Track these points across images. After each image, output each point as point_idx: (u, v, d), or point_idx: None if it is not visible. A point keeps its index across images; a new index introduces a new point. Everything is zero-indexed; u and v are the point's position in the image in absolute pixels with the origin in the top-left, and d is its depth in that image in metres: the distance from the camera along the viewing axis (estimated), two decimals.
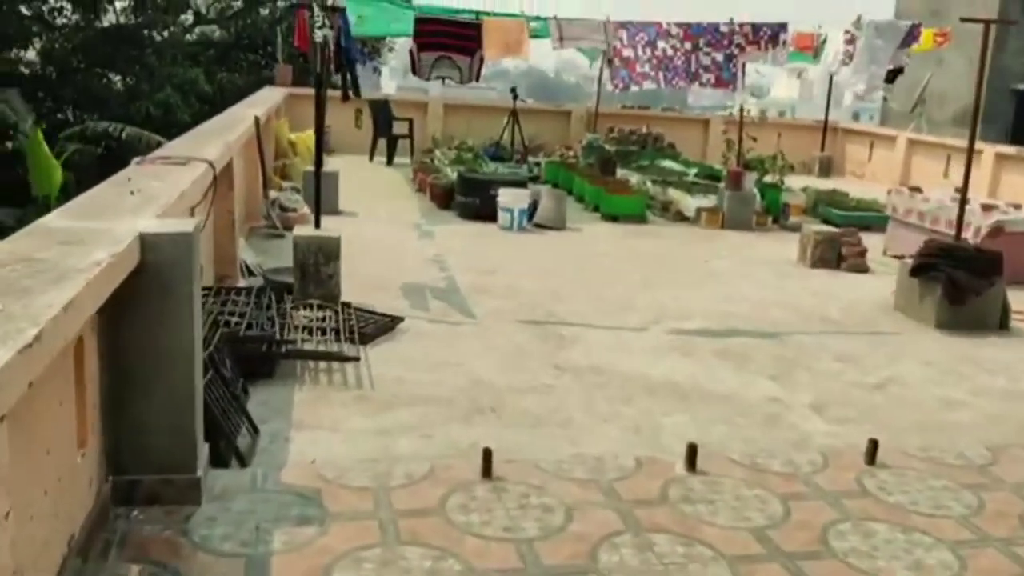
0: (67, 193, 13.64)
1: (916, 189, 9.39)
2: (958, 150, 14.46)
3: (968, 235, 7.87)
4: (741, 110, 10.73)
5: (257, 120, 8.48)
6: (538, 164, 14.16)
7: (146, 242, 3.18)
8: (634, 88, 8.87)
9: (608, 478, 3.86)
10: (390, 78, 55.38)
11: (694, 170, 13.85)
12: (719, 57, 8.26)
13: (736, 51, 8.34)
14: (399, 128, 15.23)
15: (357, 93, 8.01)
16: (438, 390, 4.89)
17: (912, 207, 9.16)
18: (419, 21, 8.35)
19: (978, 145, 14.09)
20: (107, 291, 2.85)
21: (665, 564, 3.19)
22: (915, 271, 7.01)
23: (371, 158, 15.17)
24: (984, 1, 14.84)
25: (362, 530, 3.27)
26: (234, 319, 5.01)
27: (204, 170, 4.92)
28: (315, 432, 4.25)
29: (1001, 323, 6.90)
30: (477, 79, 8.49)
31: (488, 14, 8.57)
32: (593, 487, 3.76)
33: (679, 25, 8.46)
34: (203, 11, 25.76)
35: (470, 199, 10.42)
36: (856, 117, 38.20)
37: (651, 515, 3.56)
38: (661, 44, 8.38)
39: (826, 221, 11.03)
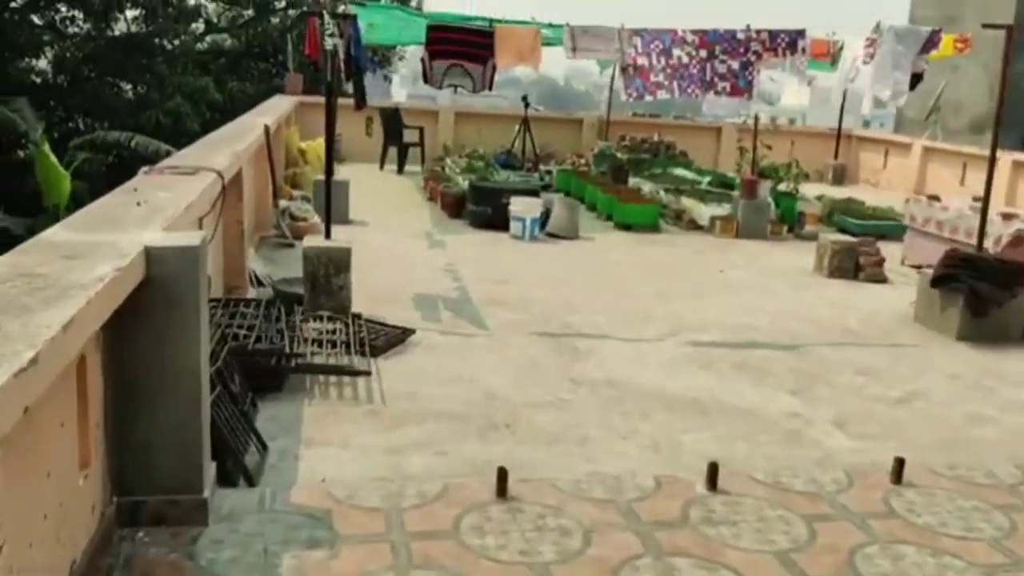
0: (78, 202, 13.60)
1: (934, 198, 9.24)
2: (974, 158, 14.33)
3: (987, 244, 7.72)
4: (756, 118, 10.60)
5: (267, 129, 8.42)
6: (549, 172, 14.07)
7: (152, 256, 3.09)
8: (648, 98, 8.75)
9: (627, 498, 3.74)
10: (400, 86, 55.45)
11: (707, 178, 13.72)
12: (735, 65, 8.13)
13: (753, 58, 8.20)
14: (410, 136, 15.16)
15: (363, 101, 7.93)
16: (451, 405, 4.78)
17: (931, 216, 9.01)
18: (431, 29, 8.25)
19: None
20: (110, 308, 2.75)
21: None
22: (936, 282, 6.86)
23: (382, 166, 15.09)
24: (1000, 7, 14.65)
25: (373, 553, 3.17)
26: (243, 332, 4.92)
27: (213, 180, 4.84)
28: (325, 449, 4.15)
29: None
30: (490, 88, 8.38)
31: (500, 21, 8.46)
32: (611, 508, 3.65)
33: (694, 32, 8.33)
34: (214, 20, 25.81)
35: (482, 208, 10.32)
36: (867, 124, 38.02)
37: (672, 538, 3.44)
38: (676, 52, 8.25)
39: (842, 230, 10.89)
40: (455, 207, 10.92)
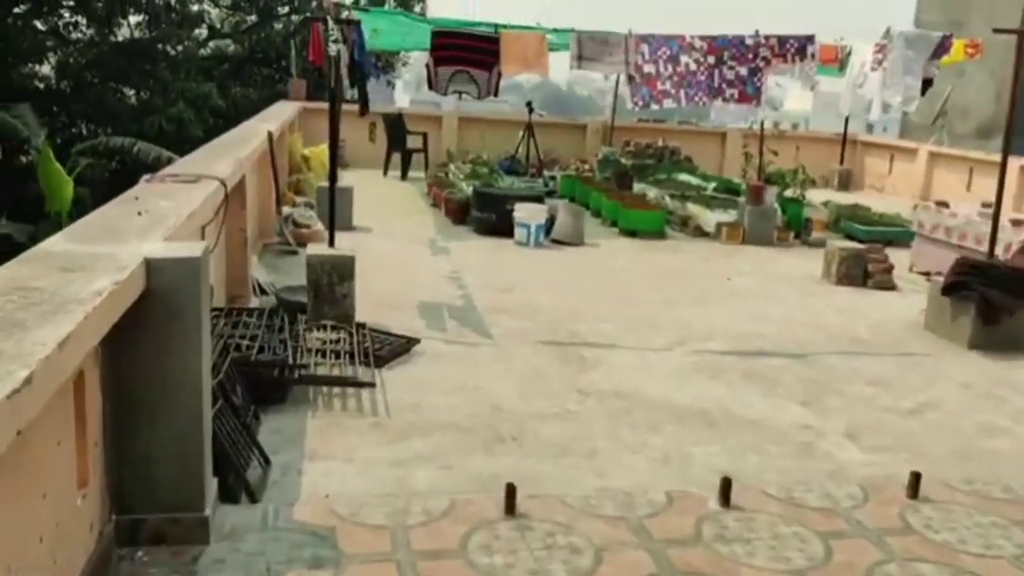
0: (81, 208, 13.55)
1: (943, 204, 9.15)
2: (981, 163, 14.25)
3: (997, 251, 7.62)
4: (762, 124, 10.53)
5: (270, 135, 8.35)
6: (553, 178, 14.00)
7: (152, 267, 3.01)
8: (654, 107, 8.66)
9: (638, 515, 3.66)
10: (403, 92, 55.44)
11: (712, 184, 13.65)
12: (743, 71, 8.05)
13: (762, 64, 8.12)
14: (413, 142, 15.10)
15: (366, 108, 7.86)
16: (456, 417, 4.70)
17: (939, 223, 8.92)
18: (436, 35, 8.18)
19: (1000, 158, 13.90)
20: (109, 322, 2.68)
21: None
22: (947, 290, 6.78)
23: (385, 172, 15.03)
24: (1006, 11, 14.59)
25: (379, 573, 3.09)
26: (245, 342, 4.84)
27: (215, 188, 4.77)
28: (328, 463, 4.06)
29: None
30: (495, 94, 8.31)
31: (507, 27, 8.38)
32: (622, 525, 3.57)
33: (702, 38, 8.24)
34: (217, 25, 25.78)
35: (486, 214, 10.25)
36: (871, 129, 37.98)
37: (685, 556, 3.36)
38: (684, 59, 8.15)
39: (849, 236, 10.80)
40: (459, 213, 10.84)
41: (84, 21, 22.43)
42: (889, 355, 6.45)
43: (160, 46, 22.26)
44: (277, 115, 11.76)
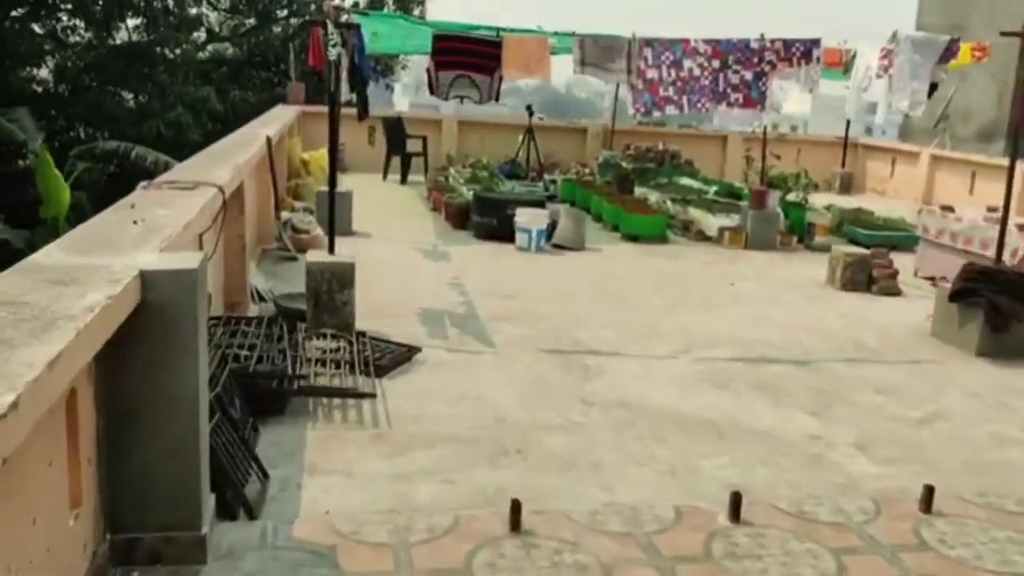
0: (79, 213, 13.48)
1: (948, 208, 9.07)
2: (984, 166, 14.18)
3: (1004, 256, 7.55)
4: (764, 128, 10.46)
5: (269, 140, 8.27)
6: (554, 182, 13.92)
7: (147, 280, 2.92)
8: (656, 114, 8.57)
9: (646, 531, 3.57)
10: (402, 95, 55.40)
11: (714, 188, 13.57)
12: (748, 76, 7.95)
13: (767, 68, 8.03)
14: (413, 146, 15.01)
15: (366, 112, 7.77)
16: (459, 428, 4.61)
17: (944, 227, 8.84)
18: (437, 39, 8.08)
19: (1004, 161, 13.82)
20: (102, 339, 2.59)
21: None
22: (954, 296, 6.69)
23: (384, 176, 14.95)
24: (1007, 13, 14.50)
25: None
26: (243, 352, 4.75)
27: (213, 195, 4.68)
28: (329, 477, 3.97)
29: None
30: (496, 99, 8.22)
31: (508, 30, 8.29)
32: (630, 542, 3.47)
33: (707, 42, 8.15)
34: (216, 28, 25.70)
35: (487, 219, 10.16)
36: (869, 132, 37.85)
37: (695, 573, 3.27)
38: (687, 63, 8.06)
39: (852, 241, 10.73)
40: (459, 218, 10.76)
41: (82, 24, 22.35)
42: (896, 363, 6.37)
43: (158, 49, 22.19)
44: (276, 119, 11.69)
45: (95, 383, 2.87)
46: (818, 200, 12.40)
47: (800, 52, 8.09)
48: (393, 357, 5.49)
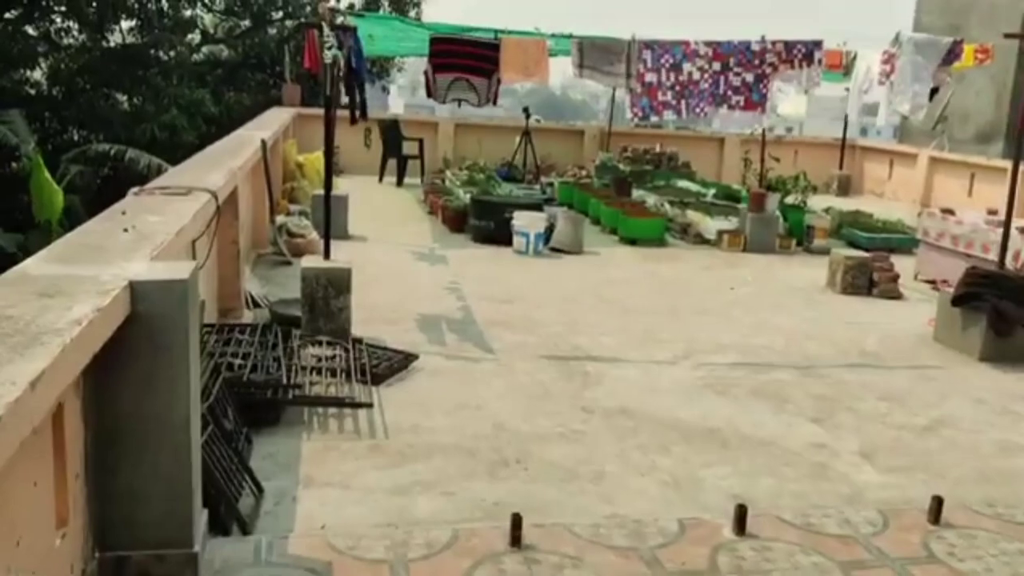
0: (72, 217, 13.37)
1: (949, 211, 9.01)
2: (983, 168, 14.13)
3: (1007, 260, 7.48)
4: (763, 131, 10.38)
5: (264, 143, 8.18)
6: (551, 185, 13.84)
7: (136, 291, 2.84)
8: (654, 118, 8.51)
9: (650, 545, 3.49)
10: (398, 96, 55.30)
11: (712, 190, 13.50)
12: (749, 78, 7.87)
13: (768, 70, 7.95)
14: (409, 148, 14.93)
15: (364, 115, 7.68)
16: (458, 438, 4.52)
17: (945, 230, 8.78)
18: (435, 41, 7.99)
19: (1003, 163, 13.78)
20: (89, 353, 2.50)
21: None
22: (957, 300, 6.62)
23: (381, 179, 14.86)
24: (1006, 15, 14.47)
25: None
26: (237, 361, 4.67)
27: (207, 201, 4.60)
28: (324, 490, 3.88)
29: None
30: (494, 102, 8.12)
31: (507, 32, 8.20)
32: (634, 556, 3.39)
33: (708, 44, 8.07)
34: (211, 30, 25.57)
35: (484, 222, 10.08)
36: (864, 133, 37.79)
37: None
38: (687, 67, 7.97)
39: (851, 244, 10.67)
40: (457, 221, 10.67)
41: (76, 26, 22.21)
42: (899, 368, 6.29)
43: (152, 51, 22.05)
44: (271, 122, 11.59)
45: (83, 397, 2.78)
46: (816, 202, 12.33)
47: (802, 54, 8.01)
48: (390, 365, 5.40)
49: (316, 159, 12.03)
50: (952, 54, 8.33)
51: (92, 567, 2.88)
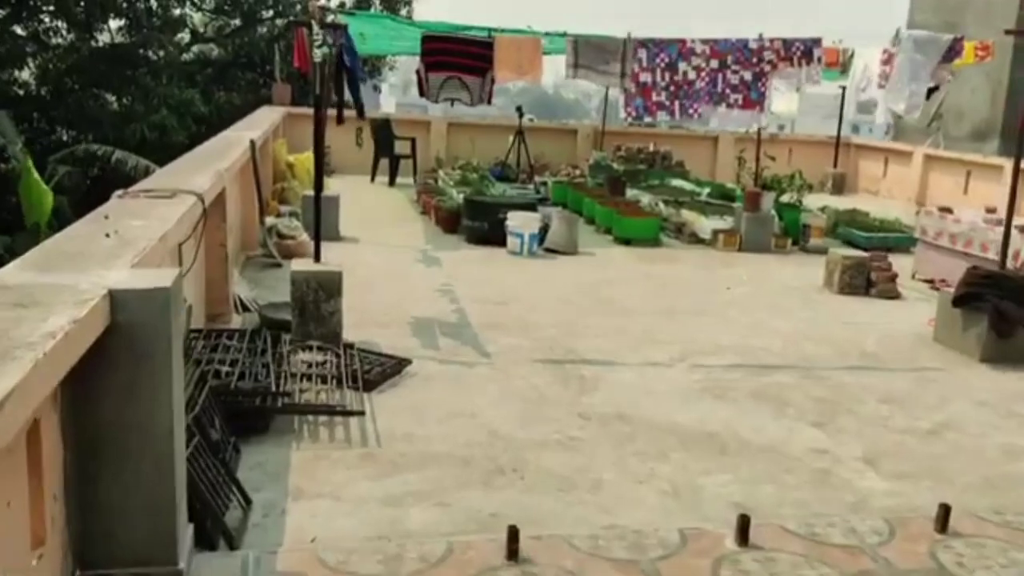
0: (60, 218, 13.20)
1: (947, 210, 8.93)
2: (978, 166, 14.07)
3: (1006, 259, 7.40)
4: (759, 129, 10.29)
5: (253, 144, 8.05)
6: (545, 184, 13.74)
7: (116, 300, 2.72)
8: (647, 119, 8.41)
9: (650, 557, 3.39)
10: (390, 95, 55.15)
11: (706, 189, 13.42)
12: (747, 76, 7.77)
13: (767, 68, 7.84)
14: (401, 148, 14.79)
15: (362, 114, 7.55)
16: (452, 447, 4.41)
17: (943, 229, 8.70)
18: (427, 39, 7.85)
19: (999, 160, 13.72)
20: (65, 367, 2.38)
21: None
22: (958, 301, 6.53)
23: (372, 179, 14.73)
24: (1002, 13, 14.40)
25: None
26: (225, 368, 4.55)
27: (192, 204, 4.48)
28: (315, 502, 3.76)
29: None
30: (488, 101, 8.00)
31: (500, 31, 8.08)
32: (634, 569, 3.29)
33: (704, 42, 7.96)
34: (200, 30, 25.39)
35: (478, 223, 9.96)
36: (856, 130, 37.75)
37: None
38: (682, 66, 7.86)
39: (848, 243, 10.58)
40: (450, 222, 10.56)
41: (64, 26, 22.01)
42: (900, 370, 6.20)
43: (141, 51, 21.87)
44: (261, 121, 11.46)
45: (61, 411, 2.66)
46: (811, 201, 12.25)
47: (800, 52, 7.92)
48: (382, 370, 5.28)
49: (306, 159, 11.90)
50: (953, 51, 8.24)
51: None
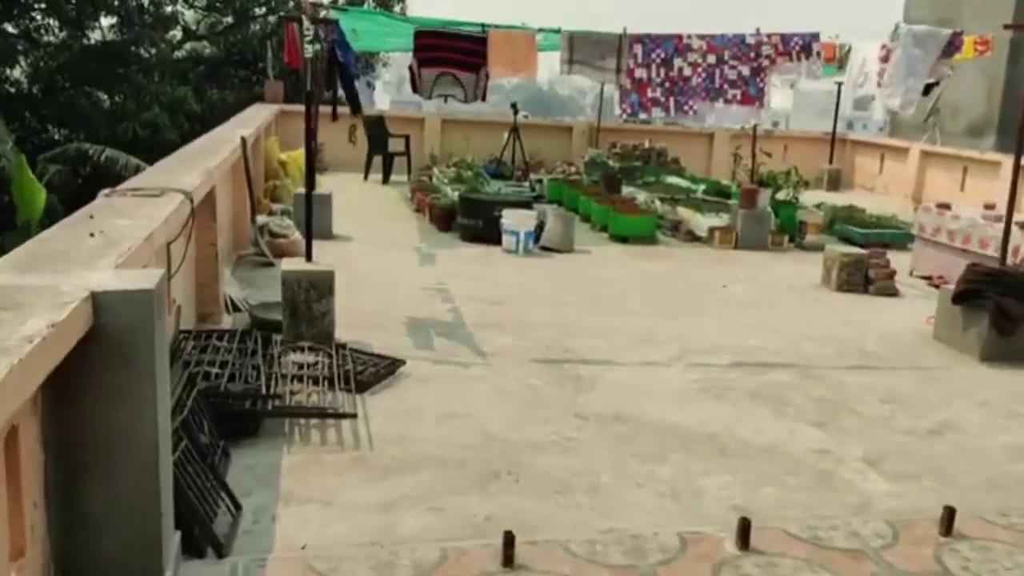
0: (52, 217, 13.07)
1: (945, 206, 8.86)
2: (976, 162, 14.01)
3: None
4: (755, 126, 10.21)
5: (244, 141, 7.95)
6: (540, 181, 13.65)
7: (99, 303, 2.63)
8: (643, 116, 8.32)
9: (649, 562, 3.31)
10: (384, 92, 54.99)
11: (702, 186, 13.35)
12: (745, 71, 7.68)
13: (766, 63, 7.76)
14: (395, 145, 14.69)
15: (358, 110, 7.45)
16: (446, 449, 4.33)
17: (941, 225, 8.63)
18: (420, 35, 7.75)
19: (996, 156, 13.67)
20: (44, 372, 2.29)
21: None
22: (958, 298, 6.46)
23: (366, 176, 14.63)
24: (998, 7, 14.32)
25: None
26: (215, 370, 4.45)
27: (180, 203, 4.39)
28: (306, 507, 3.68)
29: None
30: (483, 98, 7.89)
31: (495, 26, 7.97)
32: (633, 575, 3.21)
33: (701, 37, 7.86)
34: (192, 27, 25.24)
35: (472, 221, 9.87)
36: (851, 126, 37.76)
37: None
38: (677, 62, 7.77)
39: (845, 239, 10.52)
40: (444, 220, 10.46)
41: (56, 24, 21.86)
42: (901, 369, 6.13)
43: (133, 49, 21.71)
44: (253, 119, 11.34)
45: (41, 418, 2.57)
46: (807, 198, 12.18)
47: (799, 47, 7.83)
48: (375, 371, 5.19)
49: (299, 156, 11.79)
50: (952, 46, 8.16)
51: None
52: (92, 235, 3.45)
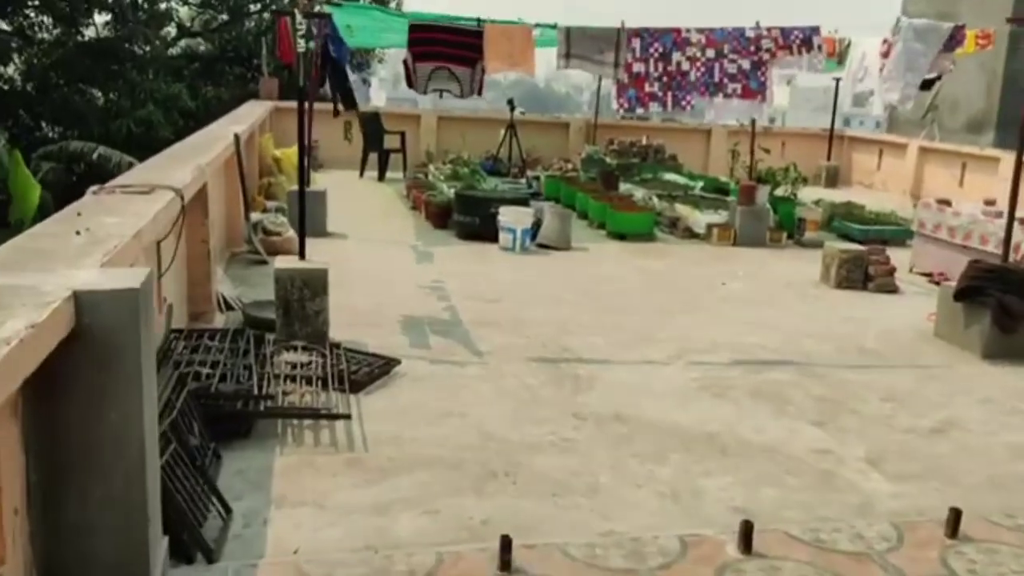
0: (45, 214, 12.99)
1: (945, 202, 8.79)
2: (974, 158, 13.95)
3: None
4: (753, 122, 10.14)
5: (237, 138, 7.86)
6: (537, 178, 13.57)
7: (82, 302, 2.54)
8: (640, 111, 8.25)
9: (650, 566, 3.24)
10: (380, 89, 54.85)
11: (699, 183, 13.28)
12: (745, 65, 7.59)
13: (766, 56, 7.68)
14: (391, 142, 14.60)
15: (354, 106, 7.36)
16: (442, 450, 4.25)
17: (941, 222, 8.56)
18: (414, 28, 7.66)
19: (995, 152, 13.61)
20: (22, 375, 2.21)
21: None
22: (960, 295, 6.39)
23: (361, 174, 14.54)
24: (996, 2, 14.26)
25: None
26: (206, 370, 4.37)
27: (170, 200, 4.31)
28: (298, 510, 3.60)
29: None
30: (479, 93, 7.81)
31: (491, 21, 7.88)
32: None
33: (700, 31, 7.78)
34: (187, 24, 25.13)
35: (469, 218, 9.79)
36: (848, 123, 37.64)
37: None
38: (676, 56, 7.69)
39: (843, 236, 10.45)
40: (440, 217, 10.38)
41: (49, 21, 21.74)
42: (902, 367, 6.06)
43: (127, 46, 21.60)
44: (246, 116, 11.25)
45: (22, 422, 2.49)
46: (806, 194, 12.12)
47: (799, 40, 7.75)
48: (370, 371, 5.11)
49: (293, 153, 11.70)
50: (954, 40, 8.08)
51: None
52: (78, 233, 3.37)
